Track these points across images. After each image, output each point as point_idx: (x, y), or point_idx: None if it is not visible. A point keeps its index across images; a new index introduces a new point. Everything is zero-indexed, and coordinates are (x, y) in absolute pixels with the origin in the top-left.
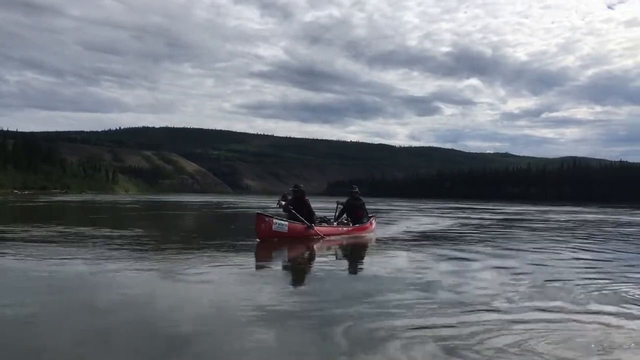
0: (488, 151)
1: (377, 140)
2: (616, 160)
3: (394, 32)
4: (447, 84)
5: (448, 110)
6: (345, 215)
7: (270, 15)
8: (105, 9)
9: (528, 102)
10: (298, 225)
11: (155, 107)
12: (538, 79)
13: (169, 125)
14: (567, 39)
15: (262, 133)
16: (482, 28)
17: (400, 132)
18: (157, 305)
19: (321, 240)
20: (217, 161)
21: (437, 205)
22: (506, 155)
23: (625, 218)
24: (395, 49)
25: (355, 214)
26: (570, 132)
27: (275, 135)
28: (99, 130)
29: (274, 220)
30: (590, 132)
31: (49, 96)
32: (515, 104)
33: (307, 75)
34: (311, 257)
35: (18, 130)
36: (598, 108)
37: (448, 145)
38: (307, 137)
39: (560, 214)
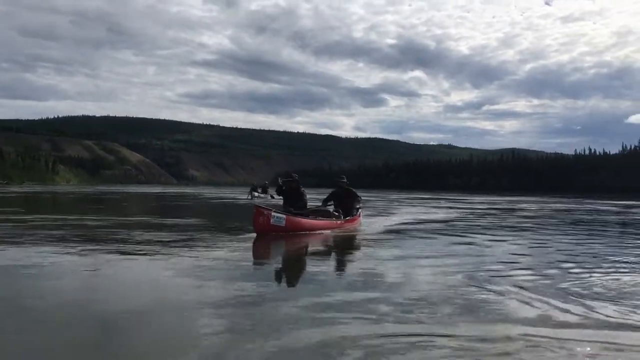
0: (432, 143)
1: (323, 131)
2: (552, 151)
3: (339, 23)
4: (392, 75)
5: (393, 101)
6: (332, 207)
7: (213, 2)
8: None
9: (470, 95)
10: (296, 219)
11: (96, 95)
12: (479, 72)
13: (110, 114)
14: (507, 33)
15: (207, 123)
16: (426, 21)
17: (346, 123)
18: (97, 294)
19: (319, 234)
20: (161, 151)
21: (387, 195)
22: (449, 146)
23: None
24: (341, 39)
25: (344, 205)
26: (509, 125)
27: (221, 125)
28: (36, 118)
29: (272, 214)
30: (528, 124)
31: None
32: (458, 97)
33: (253, 65)
34: (299, 252)
35: None
36: (535, 101)
37: (393, 137)
38: (253, 127)
39: (527, 203)
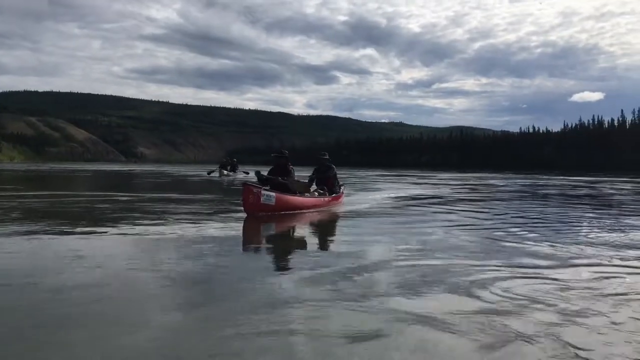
0: (383, 120)
1: (275, 109)
2: (499, 129)
3: None
4: (344, 53)
5: (345, 79)
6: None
7: None
8: None
9: (420, 73)
10: (285, 197)
11: (38, 70)
12: (430, 50)
13: (54, 90)
14: (457, 12)
15: (156, 100)
16: None
17: (298, 101)
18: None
19: (307, 213)
20: (108, 128)
21: (350, 172)
22: (400, 124)
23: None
24: (292, 15)
25: (326, 183)
26: (458, 103)
27: (170, 102)
28: None
29: (262, 192)
30: (476, 102)
31: None
32: (409, 75)
33: (202, 40)
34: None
35: None
36: (484, 80)
37: (345, 114)
38: (203, 104)
39: (494, 180)
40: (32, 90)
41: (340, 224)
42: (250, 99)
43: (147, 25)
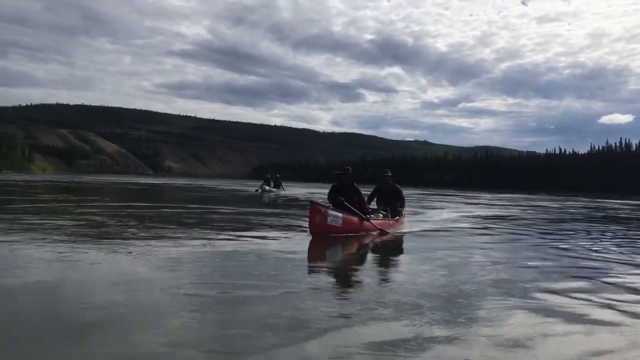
0: (408, 139)
1: (300, 125)
2: (525, 150)
3: (319, 17)
4: (370, 71)
5: (371, 97)
6: (375, 204)
7: None
8: None
9: (447, 92)
10: (353, 218)
11: (70, 84)
12: (456, 69)
13: (85, 103)
14: (484, 32)
15: (184, 114)
16: (404, 17)
17: (323, 117)
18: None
19: (376, 235)
20: (137, 142)
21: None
22: (425, 143)
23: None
24: (320, 33)
25: (390, 204)
26: (484, 122)
27: (198, 116)
28: (8, 105)
29: (329, 212)
30: (502, 122)
31: None
32: (435, 94)
33: (231, 57)
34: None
35: None
36: (510, 100)
37: (370, 132)
38: (230, 119)
39: (543, 201)
40: (64, 103)
41: (419, 245)
42: (276, 115)
43: (176, 41)
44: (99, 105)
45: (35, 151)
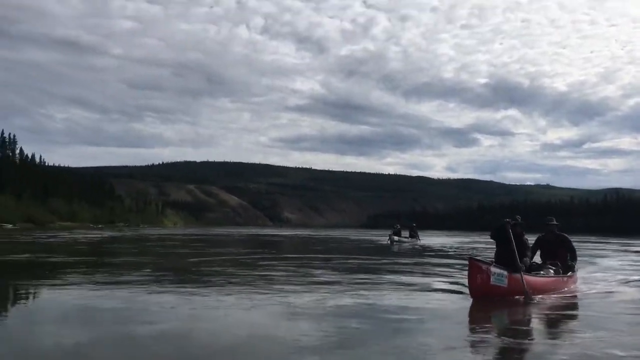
0: (528, 183)
1: (414, 172)
2: None
3: (429, 65)
4: (484, 115)
5: (486, 141)
6: (538, 258)
7: (306, 49)
8: (146, 47)
9: (569, 133)
10: (519, 276)
11: (196, 142)
12: (578, 109)
13: (209, 159)
14: (607, 68)
15: (300, 166)
16: (518, 59)
17: (437, 164)
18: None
19: (546, 297)
20: (257, 194)
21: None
22: (547, 187)
23: None
24: (430, 81)
25: (558, 257)
26: (613, 163)
27: (313, 168)
28: (143, 164)
29: (492, 270)
30: (634, 162)
31: (94, 132)
32: (556, 135)
33: (343, 108)
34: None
35: (69, 165)
36: None
37: (487, 177)
38: (344, 169)
39: None
40: (191, 160)
41: (609, 311)
42: (389, 164)
43: (292, 97)
44: (222, 160)
45: (167, 206)
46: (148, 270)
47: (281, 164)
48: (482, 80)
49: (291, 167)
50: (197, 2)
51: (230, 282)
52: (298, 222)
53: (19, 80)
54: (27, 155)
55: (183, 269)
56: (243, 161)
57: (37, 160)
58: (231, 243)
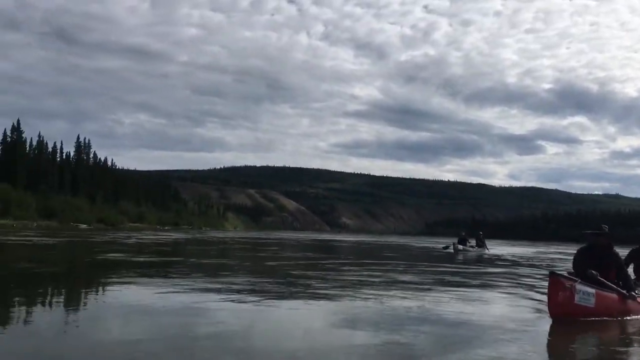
0: (596, 192)
1: (475, 180)
2: None
3: (491, 70)
4: (549, 121)
5: (551, 148)
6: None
7: (365, 55)
8: (210, 54)
9: None
10: (611, 295)
11: (256, 147)
12: None
13: (269, 164)
14: None
15: (358, 172)
16: (587, 63)
17: (499, 171)
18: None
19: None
20: (315, 199)
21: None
22: (617, 196)
23: None
24: (492, 86)
25: None
26: None
27: (371, 174)
28: (205, 169)
29: (577, 287)
30: None
31: (159, 137)
32: (626, 142)
33: (402, 114)
34: None
35: (136, 169)
36: None
37: (551, 186)
38: (403, 175)
39: None
40: (251, 165)
41: None
42: (449, 170)
43: (350, 103)
44: (281, 165)
45: (228, 210)
46: (243, 272)
47: (339, 170)
48: (547, 86)
49: (349, 173)
50: (259, 10)
51: (335, 287)
52: (355, 228)
53: (91, 87)
54: (99, 159)
55: (273, 271)
56: (302, 166)
57: (109, 163)
58: (301, 247)
